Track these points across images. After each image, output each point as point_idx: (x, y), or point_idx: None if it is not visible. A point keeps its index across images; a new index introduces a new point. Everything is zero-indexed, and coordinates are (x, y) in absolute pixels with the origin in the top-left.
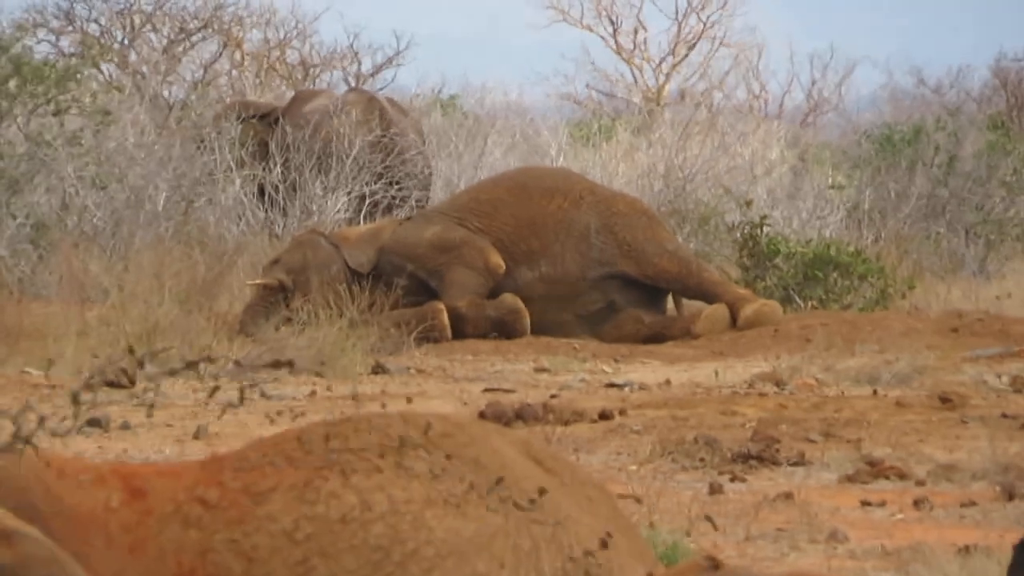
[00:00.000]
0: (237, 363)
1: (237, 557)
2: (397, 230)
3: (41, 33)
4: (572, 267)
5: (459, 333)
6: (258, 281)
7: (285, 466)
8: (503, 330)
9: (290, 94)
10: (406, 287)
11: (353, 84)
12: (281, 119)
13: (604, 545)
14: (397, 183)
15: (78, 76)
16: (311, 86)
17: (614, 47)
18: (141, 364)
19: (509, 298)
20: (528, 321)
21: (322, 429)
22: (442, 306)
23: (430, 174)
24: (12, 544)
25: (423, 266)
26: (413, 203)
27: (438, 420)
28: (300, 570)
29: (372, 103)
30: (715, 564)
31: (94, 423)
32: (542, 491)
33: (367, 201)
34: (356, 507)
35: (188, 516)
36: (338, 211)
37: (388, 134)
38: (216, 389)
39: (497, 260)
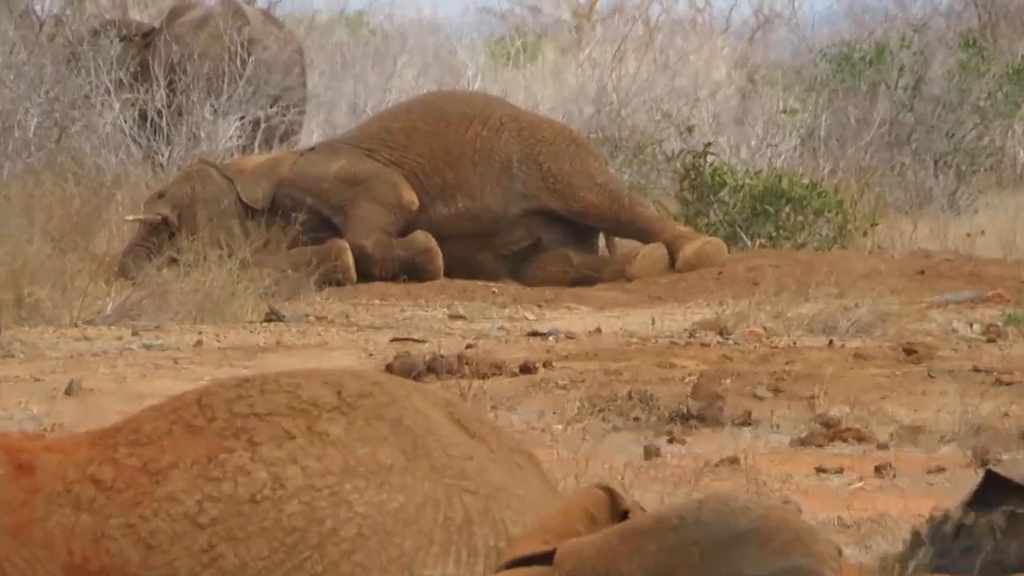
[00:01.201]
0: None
1: (135, 544)
2: (298, 162)
3: None
4: (492, 202)
5: (365, 275)
6: (139, 217)
7: (186, 437)
8: (414, 272)
9: None
10: (306, 223)
11: None
12: (163, 35)
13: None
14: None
15: None
16: None
17: None
18: None
19: (421, 236)
20: (441, 262)
21: (225, 392)
22: (346, 244)
23: (304, 98)
24: None
25: (326, 201)
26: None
27: (353, 378)
28: (205, 558)
29: (237, 15)
30: (610, 492)
31: None
32: (470, 459)
33: (262, 127)
34: (267, 483)
35: (79, 498)
36: (229, 138)
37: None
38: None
39: (410, 196)
